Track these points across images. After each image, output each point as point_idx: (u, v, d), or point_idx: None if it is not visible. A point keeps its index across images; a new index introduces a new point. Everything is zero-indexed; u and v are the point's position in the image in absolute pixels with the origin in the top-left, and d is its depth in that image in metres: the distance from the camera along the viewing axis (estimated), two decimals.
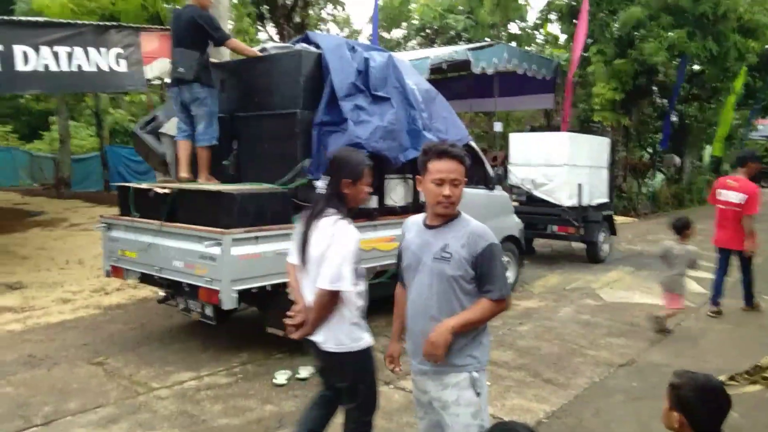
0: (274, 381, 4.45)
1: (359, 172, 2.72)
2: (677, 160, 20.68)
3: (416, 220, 2.54)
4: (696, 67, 17.73)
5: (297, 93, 5.16)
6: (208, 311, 4.76)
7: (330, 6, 21.57)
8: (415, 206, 6.09)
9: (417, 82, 6.10)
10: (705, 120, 20.26)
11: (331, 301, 2.59)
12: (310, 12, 19.04)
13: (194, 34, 5.32)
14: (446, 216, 2.38)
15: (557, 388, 4.49)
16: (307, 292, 2.72)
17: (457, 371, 2.37)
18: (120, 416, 3.89)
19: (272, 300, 4.95)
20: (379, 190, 5.82)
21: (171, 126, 5.90)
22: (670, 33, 13.67)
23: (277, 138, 5.28)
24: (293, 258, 2.80)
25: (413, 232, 2.48)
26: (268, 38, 19.20)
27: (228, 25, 8.60)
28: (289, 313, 2.75)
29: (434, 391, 2.42)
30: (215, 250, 4.40)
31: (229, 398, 4.19)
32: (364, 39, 24.38)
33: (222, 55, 6.98)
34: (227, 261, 4.37)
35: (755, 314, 6.67)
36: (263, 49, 5.83)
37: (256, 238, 4.61)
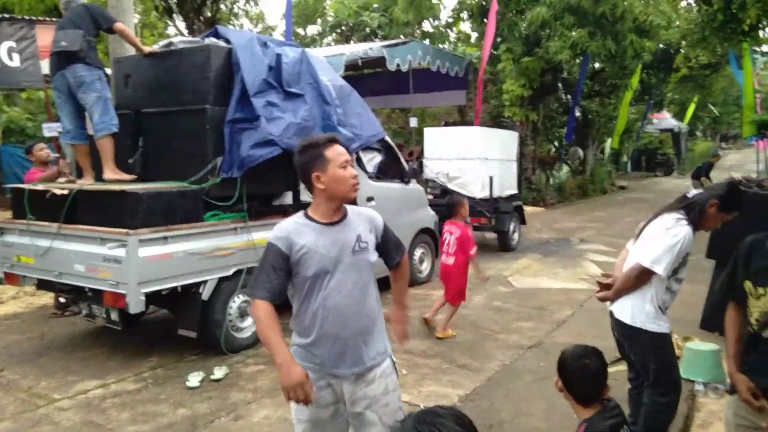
0: (187, 384, 4.33)
1: (723, 204, 2.93)
2: (581, 152, 21.87)
3: (299, 223, 2.24)
4: (597, 65, 18.78)
5: (207, 89, 5.03)
6: (114, 316, 4.58)
7: (243, 0, 21.05)
8: None
9: (331, 78, 6.09)
10: (605, 115, 21.52)
11: (639, 276, 2.86)
12: (222, 6, 18.49)
13: (80, 19, 4.99)
14: (350, 201, 2.30)
15: (471, 372, 4.66)
16: (626, 266, 2.99)
17: (383, 358, 2.33)
18: (17, 431, 3.65)
19: (184, 301, 4.83)
20: (294, 186, 5.80)
21: None
22: (573, 32, 14.38)
23: (186, 135, 5.11)
24: (630, 243, 3.14)
25: (309, 237, 2.19)
26: (177, 33, 18.51)
27: (133, 20, 8.20)
28: (603, 274, 3.07)
29: (357, 394, 2.25)
30: (120, 252, 4.24)
31: (138, 404, 4.04)
32: (278, 35, 24.02)
33: (127, 49, 6.67)
34: (133, 263, 4.21)
35: None
36: (169, 44, 5.61)
37: (165, 238, 4.47)
